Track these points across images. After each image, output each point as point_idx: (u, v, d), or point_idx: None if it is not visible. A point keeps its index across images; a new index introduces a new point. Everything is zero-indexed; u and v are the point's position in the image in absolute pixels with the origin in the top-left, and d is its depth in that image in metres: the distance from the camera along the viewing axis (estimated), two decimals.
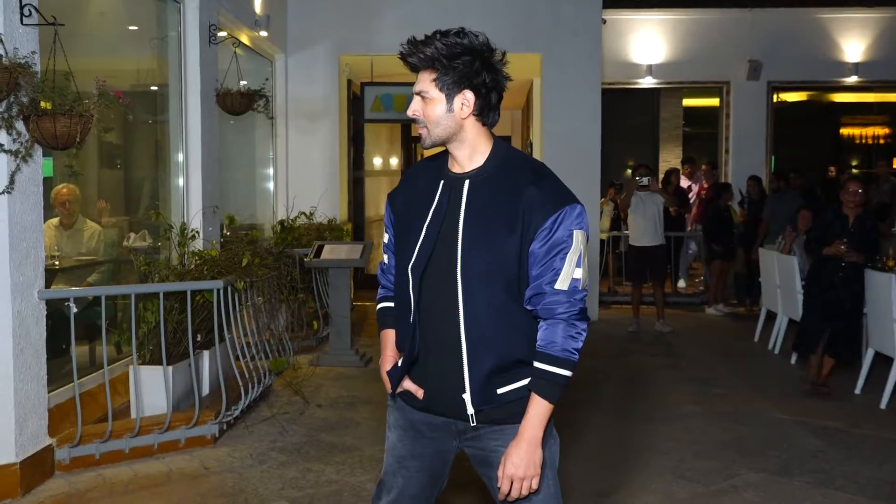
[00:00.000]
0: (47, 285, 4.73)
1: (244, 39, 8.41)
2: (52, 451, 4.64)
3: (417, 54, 2.22)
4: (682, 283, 12.07)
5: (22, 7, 4.28)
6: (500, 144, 2.34)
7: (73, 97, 4.28)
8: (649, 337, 9.03)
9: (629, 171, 11.97)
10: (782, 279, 8.02)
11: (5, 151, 4.20)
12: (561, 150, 9.96)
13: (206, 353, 5.66)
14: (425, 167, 2.43)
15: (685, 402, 6.31)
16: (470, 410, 2.26)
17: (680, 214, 11.43)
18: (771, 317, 8.52)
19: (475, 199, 2.24)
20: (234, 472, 4.74)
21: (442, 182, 2.31)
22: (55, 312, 4.95)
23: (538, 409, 2.20)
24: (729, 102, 12.52)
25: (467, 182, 2.27)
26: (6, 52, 4.07)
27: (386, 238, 2.49)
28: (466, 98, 2.25)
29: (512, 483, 2.21)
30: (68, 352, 4.89)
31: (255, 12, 8.39)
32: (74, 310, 4.73)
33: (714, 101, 13.06)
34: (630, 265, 9.77)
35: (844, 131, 14.31)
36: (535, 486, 2.23)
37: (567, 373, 2.19)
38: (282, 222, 8.75)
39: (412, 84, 2.31)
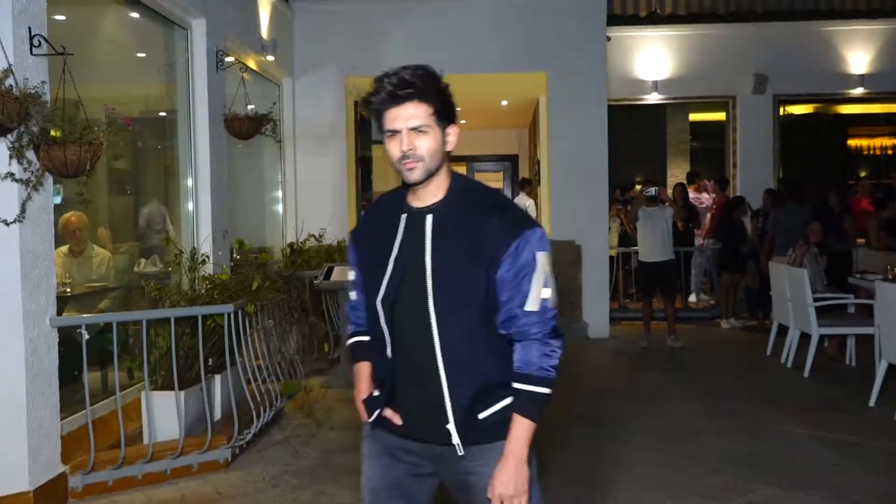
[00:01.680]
0: (59, 313, 4.75)
1: (251, 64, 8.47)
2: (66, 479, 4.65)
3: (411, 87, 2.22)
4: (693, 298, 12.04)
5: (31, 38, 4.33)
6: (458, 177, 2.38)
7: (83, 125, 4.31)
8: (661, 353, 9.00)
9: (618, 195, 11.96)
10: (793, 292, 7.98)
11: (17, 181, 4.23)
12: (568, 167, 9.99)
13: (217, 378, 5.66)
14: (385, 203, 2.46)
15: (698, 418, 6.28)
16: (456, 440, 2.28)
17: (689, 229, 11.42)
18: (782, 330, 8.48)
19: (439, 232, 2.28)
20: (247, 496, 4.73)
21: (404, 216, 2.34)
22: (67, 339, 4.96)
23: (522, 429, 2.25)
24: (735, 116, 12.52)
25: (430, 216, 2.31)
26: (17, 83, 4.11)
27: (352, 276, 2.51)
28: (453, 131, 2.32)
29: (502, 502, 2.23)
30: (80, 378, 4.90)
31: (261, 37, 8.45)
32: (86, 336, 4.74)
33: (720, 116, 13.06)
34: (640, 281, 9.75)
35: (852, 143, 14.27)
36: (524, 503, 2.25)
37: (546, 391, 2.25)
38: (291, 245, 8.78)
39: None
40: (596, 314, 10.07)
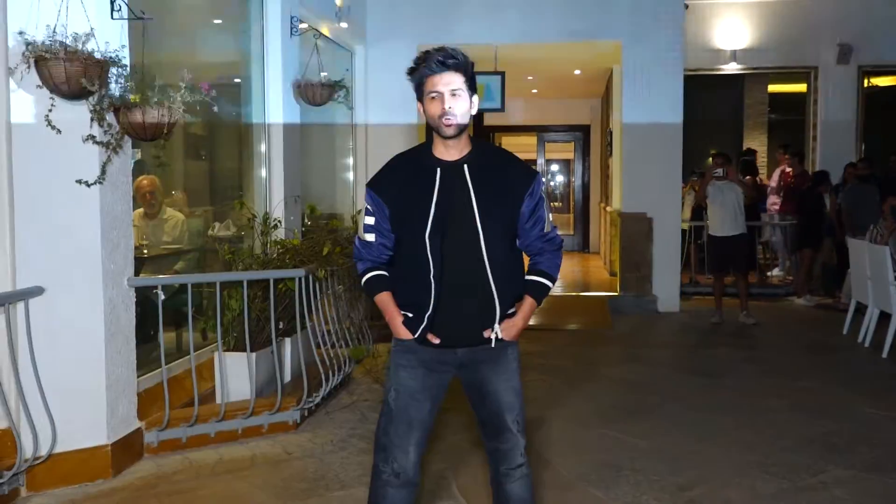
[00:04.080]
0: (135, 274, 4.87)
1: (325, 31, 8.49)
2: (142, 434, 4.80)
3: (454, 59, 2.84)
4: (778, 272, 11.92)
5: (112, 2, 4.41)
6: (473, 138, 3.00)
7: (161, 90, 4.38)
8: (732, 329, 8.86)
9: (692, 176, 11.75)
10: (874, 270, 7.75)
11: (97, 143, 4.33)
12: (642, 138, 9.82)
13: (288, 341, 5.77)
14: (404, 161, 3.02)
15: (770, 396, 6.16)
16: (499, 336, 2.96)
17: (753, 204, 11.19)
18: (860, 309, 8.26)
19: (477, 179, 2.90)
20: (314, 457, 4.83)
21: (438, 169, 2.91)
22: (143, 300, 5.09)
23: (531, 307, 3.02)
24: (817, 88, 12.12)
25: (466, 166, 2.92)
26: (98, 47, 4.20)
27: (372, 220, 2.99)
28: (475, 99, 2.93)
29: (498, 336, 2.96)
30: (156, 338, 5.04)
31: (335, 4, 8.46)
32: (162, 297, 4.86)
33: (801, 87, 12.67)
34: (710, 256, 9.59)
35: None
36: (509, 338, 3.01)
37: (552, 284, 3.06)
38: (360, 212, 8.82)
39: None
40: (666, 288, 9.95)
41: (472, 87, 2.91)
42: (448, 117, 2.84)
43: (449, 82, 2.85)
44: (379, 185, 2.98)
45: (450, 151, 2.93)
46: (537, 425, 5.29)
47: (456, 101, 2.85)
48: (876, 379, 6.68)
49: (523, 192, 2.94)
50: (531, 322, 3.25)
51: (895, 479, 4.52)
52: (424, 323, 2.91)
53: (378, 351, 6.84)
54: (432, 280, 2.87)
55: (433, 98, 2.87)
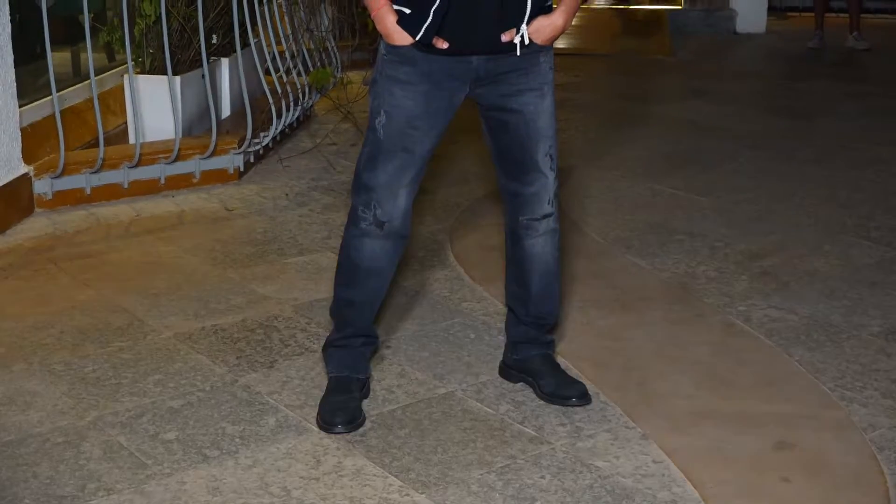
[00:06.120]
0: None
1: None
2: (30, 182, 4.78)
3: None
4: None
5: None
6: None
7: None
8: (836, 56, 8.88)
9: None
10: None
11: None
12: None
13: (224, 62, 5.74)
14: None
15: (878, 143, 6.20)
16: (527, 41, 2.92)
17: None
18: None
19: None
20: (264, 215, 4.87)
21: None
22: (23, 4, 4.93)
23: (575, 5, 2.99)
24: None
25: None
26: None
27: None
28: None
29: (525, 40, 2.93)
30: (44, 57, 4.90)
31: None
32: None
33: None
34: None
35: None
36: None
37: None
38: None
39: None
40: (750, 1, 9.87)
41: None
42: None
43: None
44: None
45: None
46: (565, 177, 5.27)
47: None
48: None
49: None
50: (559, 44, 3.12)
51: None
52: (430, 19, 2.84)
53: (349, 78, 6.78)
54: None
55: None
